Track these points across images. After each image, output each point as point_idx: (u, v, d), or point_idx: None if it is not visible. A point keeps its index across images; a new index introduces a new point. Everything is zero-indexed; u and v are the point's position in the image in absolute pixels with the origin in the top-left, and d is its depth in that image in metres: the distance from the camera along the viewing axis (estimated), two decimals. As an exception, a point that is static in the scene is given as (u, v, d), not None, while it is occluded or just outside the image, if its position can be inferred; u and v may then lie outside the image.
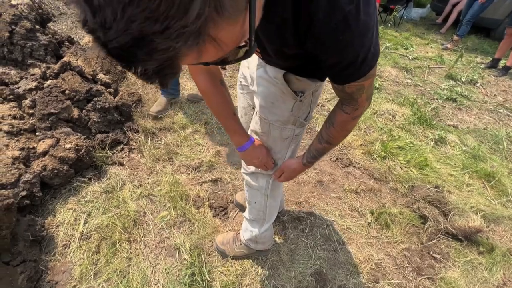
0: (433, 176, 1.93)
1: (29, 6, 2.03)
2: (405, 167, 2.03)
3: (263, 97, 0.83)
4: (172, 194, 1.58)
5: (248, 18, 0.32)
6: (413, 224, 1.60)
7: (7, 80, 1.80)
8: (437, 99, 3.01)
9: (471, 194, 1.85)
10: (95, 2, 0.21)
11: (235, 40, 0.34)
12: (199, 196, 1.65)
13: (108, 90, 2.12)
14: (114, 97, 2.13)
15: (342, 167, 2.02)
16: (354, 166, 2.03)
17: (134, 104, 2.22)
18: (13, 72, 1.87)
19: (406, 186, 1.84)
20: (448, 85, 3.29)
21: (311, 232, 1.54)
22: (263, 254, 1.38)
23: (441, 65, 3.89)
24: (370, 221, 1.60)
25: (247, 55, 0.39)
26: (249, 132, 0.94)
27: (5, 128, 1.52)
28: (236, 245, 1.34)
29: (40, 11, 2.14)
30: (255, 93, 0.88)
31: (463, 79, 3.46)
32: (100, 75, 2.15)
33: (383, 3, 5.36)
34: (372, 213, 1.64)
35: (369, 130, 2.40)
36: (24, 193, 1.30)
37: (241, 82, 1.05)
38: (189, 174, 1.80)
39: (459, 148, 2.26)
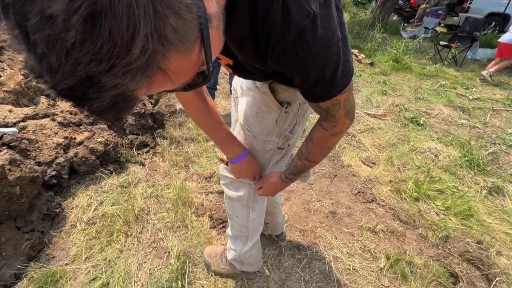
0: (478, 230, 1.57)
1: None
2: (443, 213, 1.71)
3: (247, 106, 0.80)
4: (175, 197, 1.63)
5: (203, 47, 0.33)
6: (440, 282, 1.29)
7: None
8: (499, 144, 2.55)
9: (533, 262, 1.43)
10: (38, 50, 0.22)
11: (192, 68, 0.35)
12: (202, 205, 1.65)
13: (150, 100, 2.40)
14: (154, 106, 2.39)
15: (363, 202, 1.81)
16: (378, 203, 1.79)
17: (169, 115, 2.44)
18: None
19: (439, 236, 1.53)
20: (518, 130, 2.79)
21: (309, 264, 1.37)
22: (249, 277, 1.27)
23: (510, 108, 3.35)
24: (383, 267, 1.35)
25: (205, 81, 0.39)
26: None
27: (59, 119, 1.82)
28: (222, 261, 1.26)
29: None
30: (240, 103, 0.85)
31: (539, 126, 2.89)
32: (146, 87, 2.46)
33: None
34: (387, 258, 1.39)
35: (404, 167, 2.13)
36: (53, 172, 1.49)
37: (233, 94, 1.03)
38: (199, 182, 1.83)
39: (522, 203, 1.83)
